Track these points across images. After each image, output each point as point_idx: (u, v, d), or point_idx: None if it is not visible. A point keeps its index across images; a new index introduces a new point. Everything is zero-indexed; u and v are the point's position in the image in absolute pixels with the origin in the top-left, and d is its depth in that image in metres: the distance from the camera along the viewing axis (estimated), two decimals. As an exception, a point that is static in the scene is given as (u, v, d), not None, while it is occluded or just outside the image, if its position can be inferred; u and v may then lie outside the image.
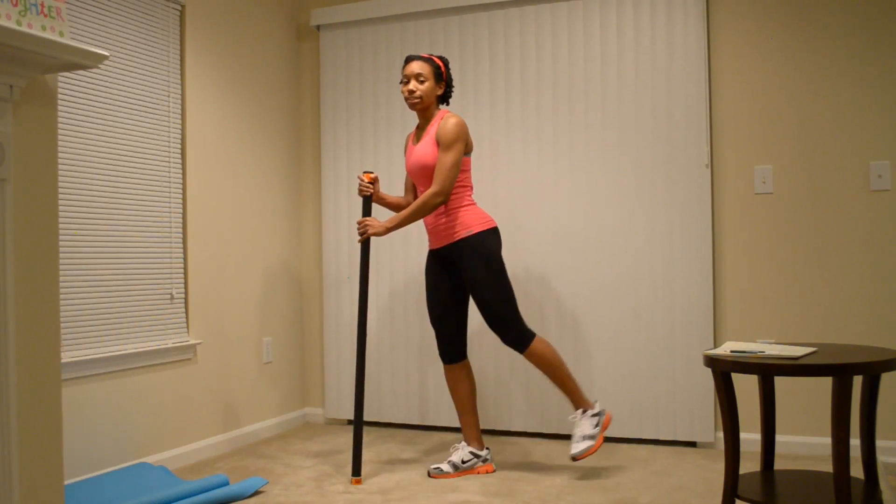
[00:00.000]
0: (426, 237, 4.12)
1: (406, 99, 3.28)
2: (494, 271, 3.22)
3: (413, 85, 3.26)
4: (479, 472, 3.34)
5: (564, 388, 3.26)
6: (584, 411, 3.24)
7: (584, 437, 3.18)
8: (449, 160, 3.18)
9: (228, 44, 3.91)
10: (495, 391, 4.02)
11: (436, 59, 3.31)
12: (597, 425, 3.21)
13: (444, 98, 3.38)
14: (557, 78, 3.93)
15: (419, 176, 3.30)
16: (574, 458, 3.15)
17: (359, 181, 3.38)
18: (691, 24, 3.71)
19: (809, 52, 3.59)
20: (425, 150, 3.25)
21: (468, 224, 3.25)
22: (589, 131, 3.88)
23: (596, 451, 3.33)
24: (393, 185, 4.21)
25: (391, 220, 3.23)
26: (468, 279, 3.23)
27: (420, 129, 3.36)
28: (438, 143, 3.21)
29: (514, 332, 3.22)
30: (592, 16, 3.88)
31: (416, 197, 3.48)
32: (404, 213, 3.22)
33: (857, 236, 3.52)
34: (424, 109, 3.31)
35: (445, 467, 3.31)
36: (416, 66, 3.27)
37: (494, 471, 3.36)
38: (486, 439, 3.92)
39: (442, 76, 3.31)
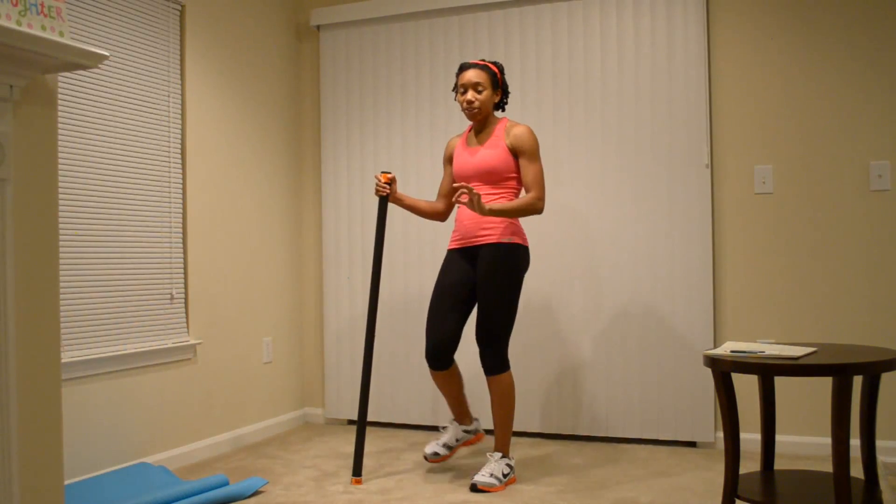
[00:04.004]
0: (432, 236, 4.12)
1: (464, 109, 3.24)
2: (513, 287, 3.17)
3: (471, 95, 3.21)
4: (473, 442, 3.47)
5: (504, 428, 3.20)
6: (503, 457, 3.19)
7: (493, 475, 3.10)
8: (540, 169, 3.18)
9: (228, 44, 3.91)
10: (495, 391, 4.02)
11: (492, 66, 3.26)
12: (506, 475, 3.14)
13: (499, 105, 3.33)
14: (557, 78, 3.94)
15: (476, 177, 3.23)
16: (475, 486, 3.07)
17: (375, 181, 3.35)
18: (691, 25, 3.71)
19: (809, 53, 3.59)
20: (494, 154, 3.20)
21: (513, 232, 3.19)
22: (589, 131, 3.88)
23: (496, 492, 3.07)
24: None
25: (494, 204, 3.09)
26: (484, 281, 3.16)
27: (476, 135, 3.31)
28: (515, 151, 3.19)
29: (499, 353, 3.16)
30: (592, 16, 3.88)
31: (447, 204, 3.44)
32: (511, 205, 3.09)
33: (857, 236, 3.52)
34: (485, 118, 3.27)
35: (441, 451, 3.35)
36: (473, 76, 3.21)
37: (483, 439, 3.51)
38: (487, 440, 3.92)
39: (499, 83, 3.27)
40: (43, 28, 1.86)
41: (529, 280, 3.96)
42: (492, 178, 3.21)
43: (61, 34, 1.91)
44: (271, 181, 4.22)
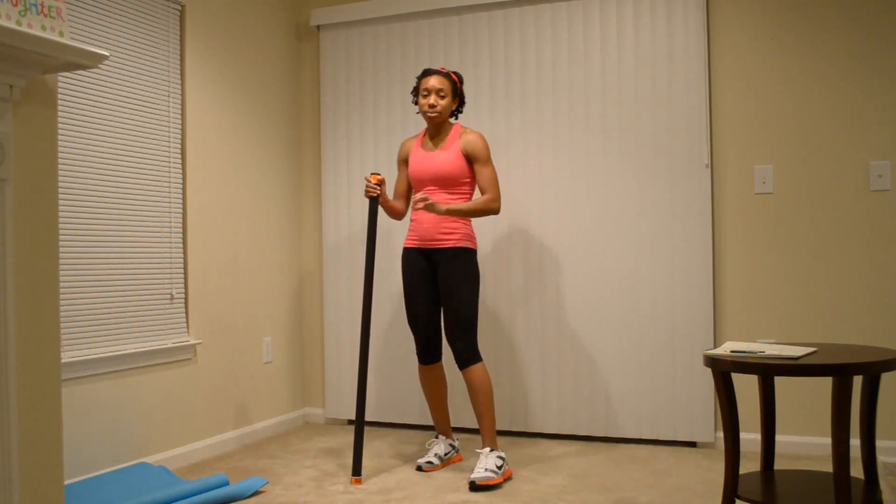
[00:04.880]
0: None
1: (425, 111, 3.39)
2: (473, 284, 3.37)
3: (434, 99, 3.38)
4: (455, 461, 3.55)
5: (486, 420, 3.30)
6: (492, 450, 3.26)
7: (488, 469, 3.15)
8: (493, 172, 3.39)
9: (228, 44, 3.91)
10: (494, 393, 4.02)
11: (453, 76, 3.45)
12: (500, 467, 3.20)
13: (454, 112, 3.50)
14: (557, 78, 3.93)
15: (432, 182, 3.39)
16: (474, 484, 3.11)
17: (366, 182, 3.45)
18: (691, 25, 3.71)
19: (809, 52, 3.59)
20: (447, 158, 3.38)
21: (469, 237, 3.40)
22: (589, 131, 3.88)
23: (495, 486, 3.13)
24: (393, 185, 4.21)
25: (453, 206, 3.29)
26: (447, 284, 3.34)
27: (431, 139, 3.47)
28: (469, 156, 3.38)
29: (470, 344, 3.33)
30: (592, 16, 3.88)
31: (407, 204, 3.60)
32: (468, 205, 3.31)
33: (857, 236, 3.52)
34: (441, 123, 3.43)
35: (435, 460, 3.44)
36: (437, 82, 3.39)
37: (462, 460, 3.57)
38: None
39: (458, 92, 3.46)
40: (43, 28, 1.86)
41: (531, 280, 3.96)
42: (447, 182, 3.39)
43: (61, 34, 1.91)
44: (271, 181, 4.22)
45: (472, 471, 3.37)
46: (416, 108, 3.88)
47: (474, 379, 3.31)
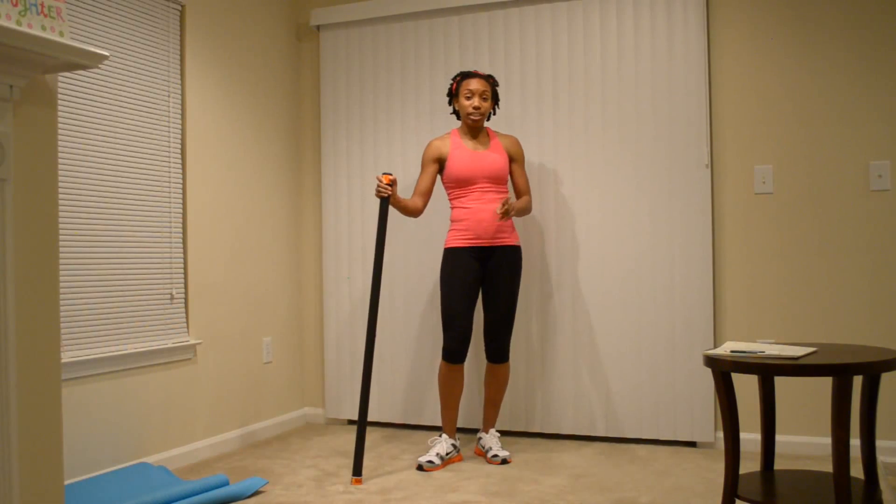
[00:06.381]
0: (426, 236, 4.12)
1: (468, 114, 3.49)
2: (520, 284, 3.60)
3: (478, 101, 3.49)
4: (455, 461, 3.55)
5: (496, 408, 3.66)
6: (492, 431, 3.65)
7: (503, 448, 3.62)
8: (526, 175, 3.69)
9: (228, 44, 3.91)
10: (495, 391, 4.02)
11: (492, 79, 3.57)
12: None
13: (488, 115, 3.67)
14: (557, 78, 3.94)
15: (486, 179, 3.48)
16: (506, 461, 3.47)
17: (377, 182, 3.48)
18: (691, 24, 3.71)
19: (809, 52, 3.59)
20: (500, 159, 3.53)
21: (517, 236, 3.59)
22: (589, 131, 3.88)
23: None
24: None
25: (517, 203, 3.49)
26: (506, 280, 3.50)
27: (473, 139, 3.57)
28: (512, 157, 3.61)
29: (509, 342, 3.58)
30: (592, 16, 3.88)
31: (427, 201, 3.60)
32: (526, 204, 3.56)
33: (857, 236, 3.52)
34: (481, 125, 3.56)
35: (436, 460, 3.42)
36: (481, 85, 3.50)
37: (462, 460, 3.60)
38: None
39: (496, 96, 3.60)
40: (43, 28, 1.86)
41: (530, 281, 3.96)
42: (499, 179, 3.52)
43: (61, 34, 1.91)
44: (271, 181, 4.22)
45: (473, 461, 3.38)
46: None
47: (504, 373, 3.59)
